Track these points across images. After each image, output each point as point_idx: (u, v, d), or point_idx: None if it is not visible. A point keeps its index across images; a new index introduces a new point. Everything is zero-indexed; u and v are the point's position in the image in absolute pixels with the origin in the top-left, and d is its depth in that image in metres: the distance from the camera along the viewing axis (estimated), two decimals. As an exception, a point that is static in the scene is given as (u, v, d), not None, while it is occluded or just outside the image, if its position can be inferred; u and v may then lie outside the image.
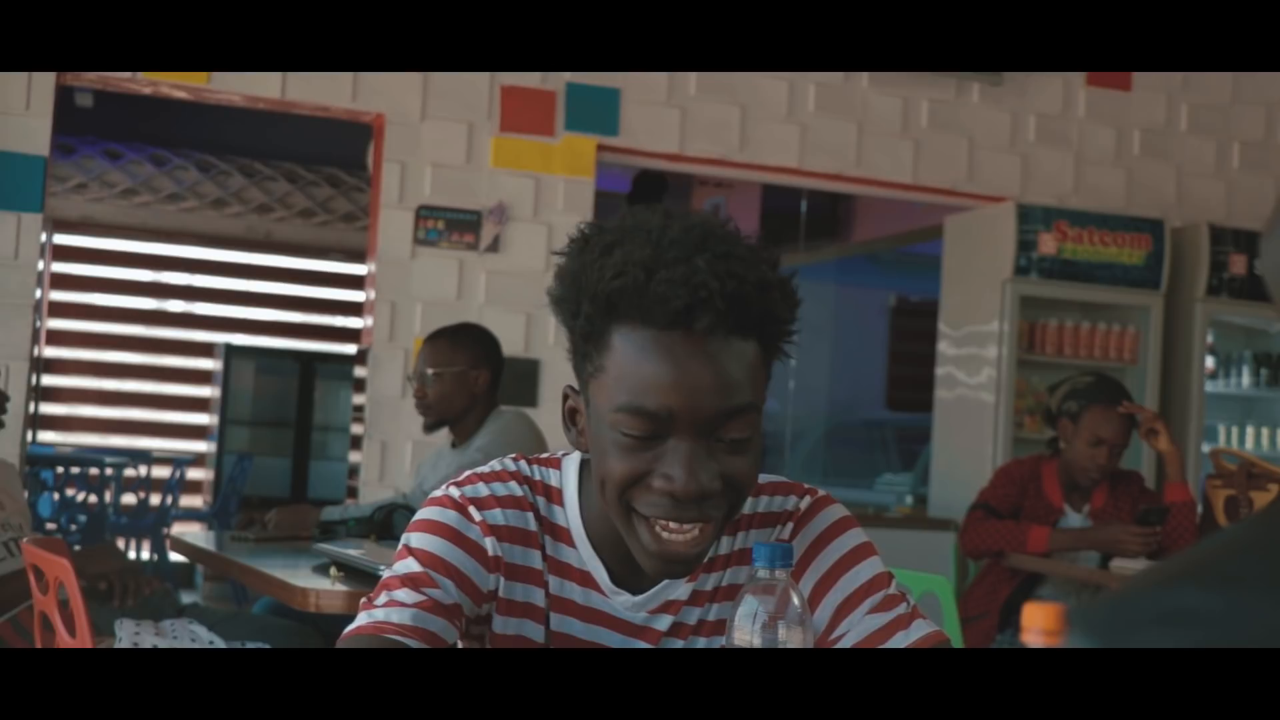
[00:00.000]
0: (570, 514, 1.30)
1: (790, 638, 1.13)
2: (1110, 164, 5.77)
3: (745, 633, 1.13)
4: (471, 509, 1.26)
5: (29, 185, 4.50)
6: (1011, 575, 3.79)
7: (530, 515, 1.29)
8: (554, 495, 1.31)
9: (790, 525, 1.33)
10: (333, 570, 2.62)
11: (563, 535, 1.30)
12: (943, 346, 5.74)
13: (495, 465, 1.32)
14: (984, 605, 3.78)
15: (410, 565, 1.24)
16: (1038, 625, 0.69)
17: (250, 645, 2.77)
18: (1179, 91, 5.86)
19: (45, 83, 4.55)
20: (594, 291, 1.16)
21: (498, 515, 1.27)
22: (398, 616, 1.20)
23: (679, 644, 1.31)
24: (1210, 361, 5.81)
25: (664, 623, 1.30)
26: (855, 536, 1.33)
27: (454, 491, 1.28)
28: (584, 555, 1.29)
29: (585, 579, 1.29)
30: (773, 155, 5.36)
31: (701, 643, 1.31)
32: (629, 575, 1.29)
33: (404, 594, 1.22)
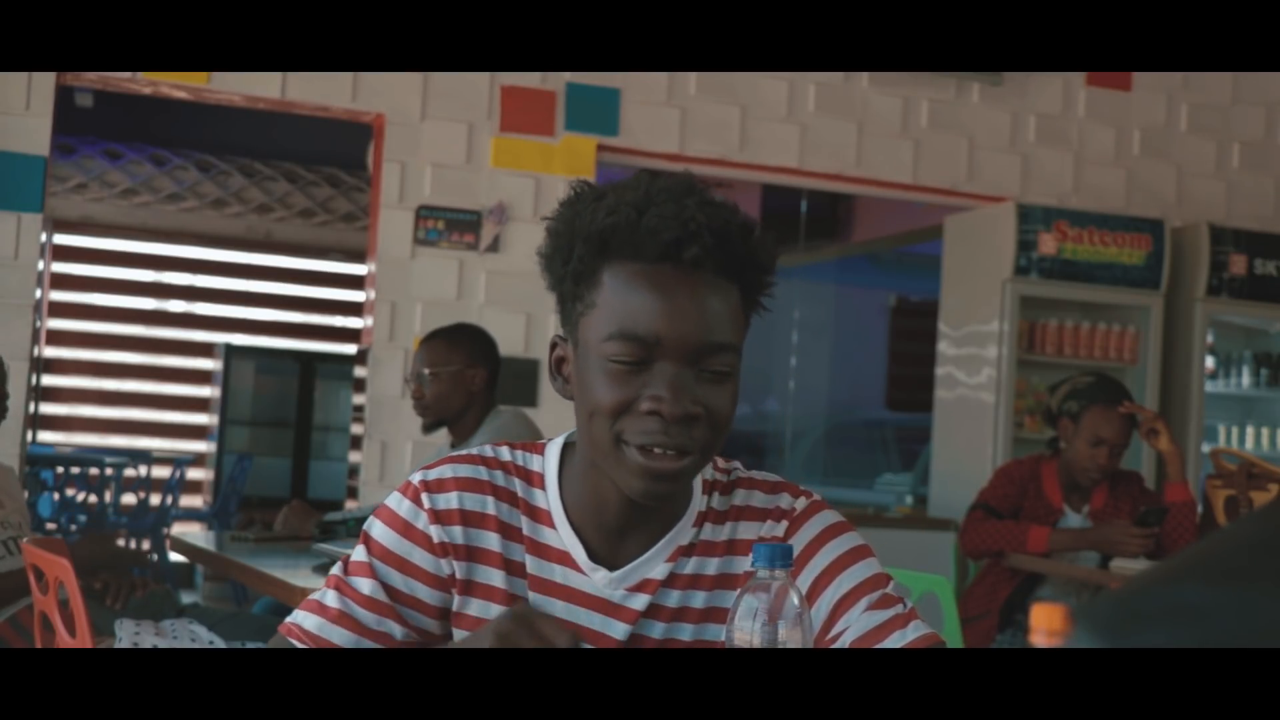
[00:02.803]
0: (551, 496, 1.33)
1: (790, 638, 1.13)
2: (1110, 164, 5.77)
3: (745, 633, 1.13)
4: (424, 496, 1.31)
5: (29, 185, 4.50)
6: (1011, 575, 3.79)
7: (490, 499, 1.31)
8: (535, 479, 1.34)
9: (785, 523, 1.34)
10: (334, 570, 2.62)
11: (542, 517, 1.33)
12: (943, 346, 5.74)
13: (476, 450, 1.36)
14: (984, 605, 3.78)
15: (359, 553, 1.33)
16: (1044, 626, 0.69)
17: (250, 645, 2.77)
18: (1179, 91, 5.86)
19: (45, 83, 4.55)
20: (587, 231, 1.23)
21: (452, 499, 1.31)
22: (308, 623, 1.31)
23: (660, 626, 1.32)
24: (1210, 361, 5.81)
25: (640, 602, 1.31)
26: (854, 538, 1.35)
27: (416, 477, 1.33)
28: (563, 535, 1.32)
29: (564, 558, 1.32)
30: (773, 155, 5.36)
31: (689, 629, 1.32)
32: (607, 552, 1.32)
33: (331, 596, 1.32)
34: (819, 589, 1.31)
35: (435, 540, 1.30)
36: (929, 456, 6.04)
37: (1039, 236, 5.37)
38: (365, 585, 1.30)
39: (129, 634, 2.63)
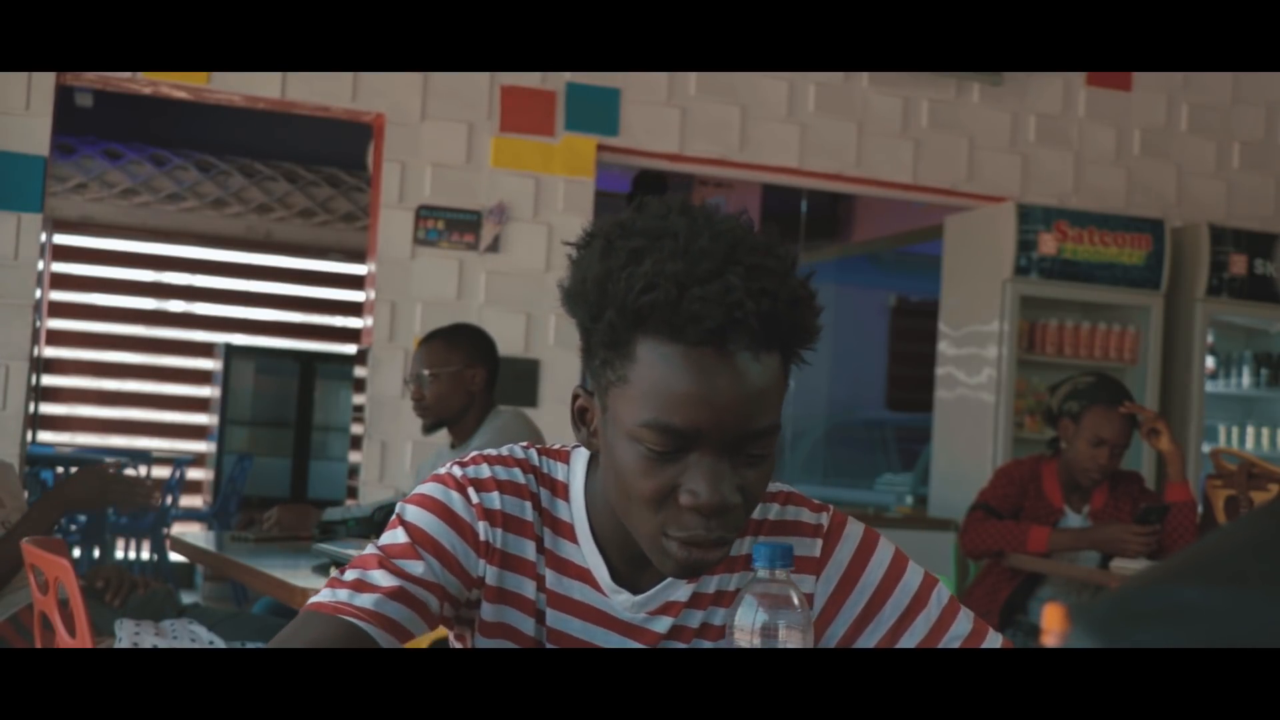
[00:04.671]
0: (575, 509, 1.28)
1: (790, 638, 1.12)
2: (1110, 164, 5.77)
3: (745, 633, 1.13)
4: (471, 490, 1.25)
5: (29, 185, 4.50)
6: (1011, 575, 3.79)
7: (529, 505, 1.27)
8: (559, 489, 1.29)
9: (819, 540, 1.33)
10: (333, 570, 2.62)
11: (565, 530, 1.28)
12: (943, 346, 5.74)
13: (504, 450, 1.30)
14: (984, 605, 3.78)
15: (397, 536, 1.24)
16: (1055, 627, 0.69)
17: (250, 645, 2.77)
18: (1179, 91, 5.86)
19: (45, 83, 4.55)
20: (622, 302, 1.13)
21: (495, 499, 1.26)
22: (360, 600, 1.20)
23: (680, 647, 1.30)
24: (1210, 361, 5.81)
25: (663, 624, 1.28)
26: (887, 548, 1.36)
27: (457, 471, 1.27)
28: (585, 552, 1.27)
29: (584, 575, 1.28)
30: (773, 155, 5.36)
31: (708, 645, 1.30)
32: (630, 573, 1.28)
33: (378, 575, 1.21)
34: (874, 609, 1.34)
35: (481, 538, 1.25)
36: (929, 456, 6.04)
37: (1039, 236, 5.37)
38: (417, 567, 1.22)
39: (129, 634, 2.63)
